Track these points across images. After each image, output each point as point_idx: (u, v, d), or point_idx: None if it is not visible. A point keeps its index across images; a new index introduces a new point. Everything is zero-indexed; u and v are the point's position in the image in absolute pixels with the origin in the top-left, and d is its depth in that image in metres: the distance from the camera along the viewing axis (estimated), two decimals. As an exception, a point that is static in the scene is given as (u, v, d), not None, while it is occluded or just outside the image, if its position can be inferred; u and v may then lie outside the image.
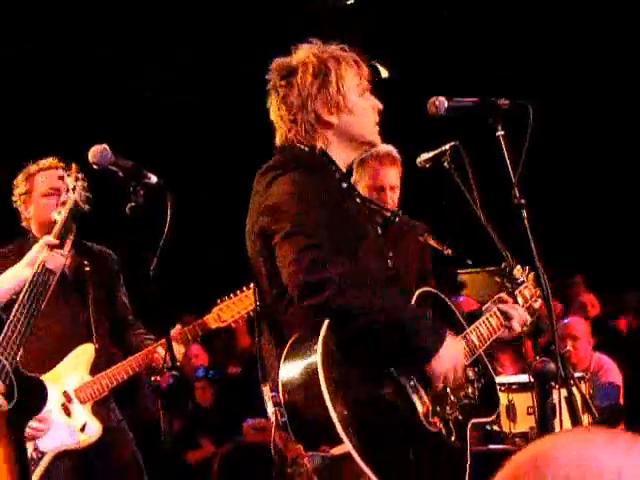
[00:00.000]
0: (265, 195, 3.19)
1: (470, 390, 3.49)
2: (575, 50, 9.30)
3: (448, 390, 3.34)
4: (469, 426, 3.44)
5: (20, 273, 3.93)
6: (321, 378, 2.94)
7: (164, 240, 3.38)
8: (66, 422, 4.48)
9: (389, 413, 3.14)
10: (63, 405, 4.51)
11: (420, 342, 3.15)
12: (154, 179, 3.49)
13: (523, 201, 3.52)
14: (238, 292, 4.81)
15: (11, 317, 3.67)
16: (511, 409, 5.39)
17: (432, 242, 4.82)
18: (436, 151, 4.06)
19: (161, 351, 4.57)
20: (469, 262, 5.86)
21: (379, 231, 3.49)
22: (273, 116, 3.41)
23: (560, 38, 9.29)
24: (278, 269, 3.11)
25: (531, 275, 3.97)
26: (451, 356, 3.23)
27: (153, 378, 4.37)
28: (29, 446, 4.32)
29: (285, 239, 3.06)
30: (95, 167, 3.49)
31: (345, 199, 3.33)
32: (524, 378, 5.43)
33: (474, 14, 9.01)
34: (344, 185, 3.37)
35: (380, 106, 3.46)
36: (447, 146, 3.98)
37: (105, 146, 3.48)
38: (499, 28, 9.10)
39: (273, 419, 3.08)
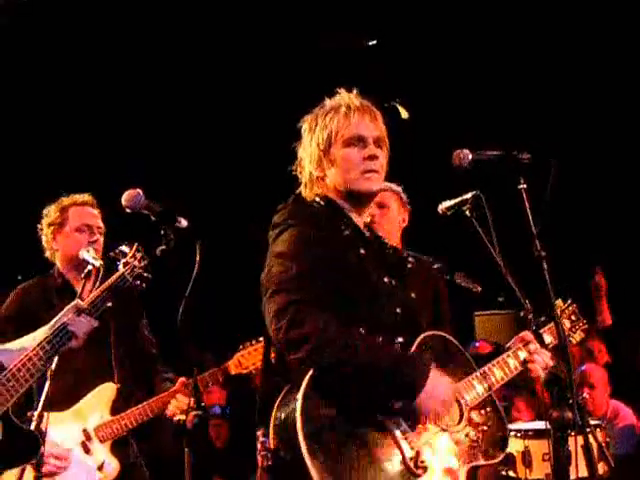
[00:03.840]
0: (270, 252, 3.35)
1: (473, 433, 3.51)
2: (595, 103, 9.33)
3: (444, 435, 3.38)
4: (466, 470, 3.46)
5: (40, 335, 3.86)
6: (299, 430, 3.08)
7: (192, 284, 3.44)
8: (85, 460, 4.53)
9: (373, 461, 3.18)
10: (83, 443, 4.56)
11: (403, 382, 3.21)
12: (184, 223, 3.56)
13: (543, 253, 3.56)
14: (260, 339, 4.86)
15: (12, 365, 3.64)
16: (527, 455, 5.41)
17: (461, 280, 4.85)
18: (458, 199, 4.12)
19: (180, 397, 4.61)
20: (500, 299, 5.90)
21: (388, 280, 3.52)
22: None
23: (580, 84, 9.34)
24: None
25: (571, 308, 4.04)
26: (438, 391, 3.28)
27: (177, 417, 4.42)
28: (49, 484, 4.39)
29: (270, 297, 3.21)
30: (128, 210, 3.56)
31: (347, 250, 3.41)
32: (540, 425, 5.45)
33: (497, 60, 9.05)
34: (347, 235, 3.45)
35: (373, 152, 3.47)
36: (469, 195, 4.05)
37: (139, 190, 3.57)
38: (520, 75, 9.15)
39: (260, 462, 3.22)
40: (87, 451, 4.55)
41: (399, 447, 3.24)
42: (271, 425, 3.21)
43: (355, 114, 3.47)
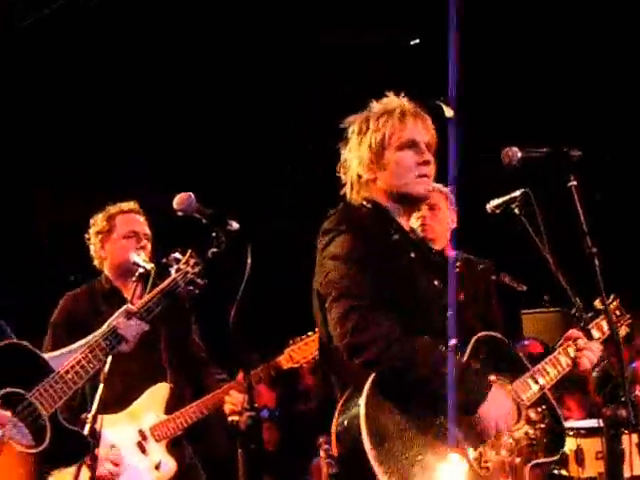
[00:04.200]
0: (321, 257, 3.38)
1: (532, 431, 3.51)
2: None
3: (505, 434, 3.38)
4: (528, 468, 3.47)
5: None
6: (364, 434, 3.09)
7: (244, 286, 3.46)
8: (142, 460, 4.58)
9: (439, 465, 3.19)
10: (139, 443, 4.62)
11: (464, 394, 3.21)
12: (235, 225, 3.59)
13: (595, 250, 3.54)
14: (309, 333, 4.90)
15: (61, 368, 3.67)
16: (579, 454, 5.38)
17: (507, 280, 4.84)
18: (506, 197, 4.12)
19: (234, 394, 4.65)
20: (546, 298, 5.87)
21: (437, 283, 3.52)
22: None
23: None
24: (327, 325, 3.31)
25: (615, 303, 4.02)
26: (498, 405, 3.29)
27: (231, 418, 4.45)
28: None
29: (333, 303, 3.24)
30: (180, 214, 3.59)
31: (396, 254, 3.42)
32: (593, 423, 5.42)
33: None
34: (397, 239, 3.46)
35: (427, 158, 3.48)
36: (518, 192, 4.04)
37: (190, 194, 3.60)
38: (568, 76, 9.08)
39: (324, 470, 3.26)
40: (143, 451, 4.61)
41: (462, 449, 3.25)
42: (333, 431, 3.22)
43: (410, 119, 3.48)
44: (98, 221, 4.97)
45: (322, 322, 3.37)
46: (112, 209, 4.98)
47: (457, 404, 3.19)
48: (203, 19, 8.47)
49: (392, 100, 3.55)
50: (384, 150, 3.46)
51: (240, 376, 4.68)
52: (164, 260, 4.25)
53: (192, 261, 4.18)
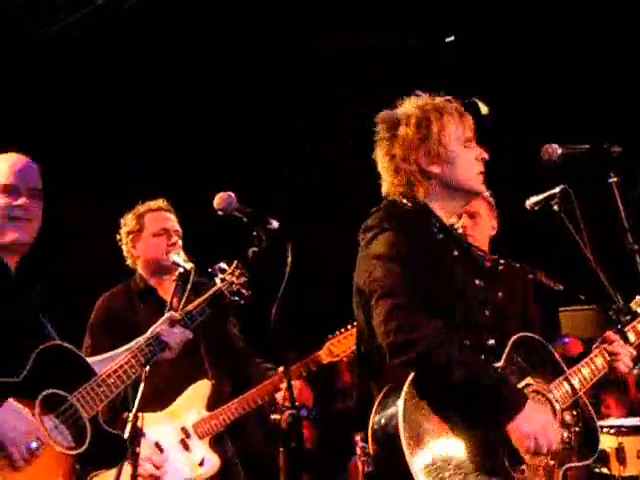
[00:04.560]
0: (363, 254, 3.36)
1: (566, 435, 3.47)
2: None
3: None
4: (562, 471, 3.43)
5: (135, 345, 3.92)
6: (401, 434, 3.08)
7: (285, 284, 3.47)
8: (185, 457, 4.63)
9: (476, 466, 3.17)
10: (182, 441, 4.66)
11: (500, 402, 3.18)
12: (275, 224, 3.60)
13: (636, 246, 3.52)
14: (348, 327, 4.91)
15: (103, 372, 3.69)
16: (621, 452, 5.35)
17: (544, 279, 4.82)
18: (546, 194, 4.10)
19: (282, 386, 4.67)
20: (582, 297, 5.84)
21: (478, 282, 3.51)
22: (379, 167, 3.55)
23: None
24: (370, 323, 3.29)
25: None
26: (535, 420, 3.21)
27: (273, 417, 4.47)
28: (149, 482, 4.47)
29: (377, 301, 3.22)
30: (220, 213, 3.60)
31: (441, 253, 3.41)
32: (635, 421, 5.39)
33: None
34: (440, 237, 3.45)
35: (485, 155, 3.51)
36: (557, 189, 4.02)
37: (230, 193, 3.61)
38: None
39: (361, 468, 3.21)
40: (187, 448, 4.64)
41: (497, 452, 3.22)
42: (370, 430, 3.21)
43: (466, 116, 3.51)
44: (128, 221, 5.03)
45: (364, 319, 3.37)
46: (141, 208, 5.03)
47: (490, 414, 3.18)
48: (202, 23, 8.49)
49: (439, 100, 3.53)
50: (449, 145, 3.45)
51: (282, 369, 4.71)
52: (209, 269, 4.28)
53: (238, 272, 4.21)
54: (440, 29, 8.76)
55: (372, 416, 3.22)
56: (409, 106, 3.51)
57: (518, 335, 3.51)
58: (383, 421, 3.18)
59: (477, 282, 3.50)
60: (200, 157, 9.30)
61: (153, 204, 5.02)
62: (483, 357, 3.34)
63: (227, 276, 4.21)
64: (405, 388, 3.15)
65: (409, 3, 8.37)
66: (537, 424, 3.20)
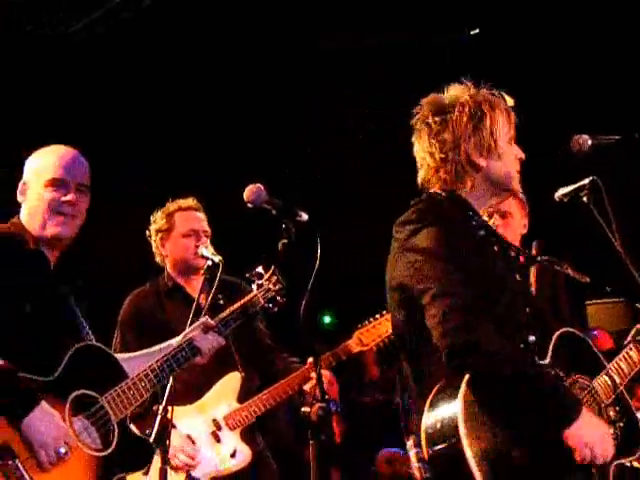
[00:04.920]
0: (404, 249, 3.23)
1: (612, 431, 3.39)
2: None
3: None
4: (612, 469, 3.35)
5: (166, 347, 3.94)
6: (463, 437, 2.98)
7: (314, 276, 3.47)
8: (217, 449, 4.66)
9: (540, 467, 3.09)
10: (213, 433, 4.69)
11: (559, 407, 3.10)
12: (305, 217, 3.60)
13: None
14: (377, 316, 4.91)
15: (135, 375, 3.71)
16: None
17: (570, 271, 4.80)
18: (575, 186, 4.08)
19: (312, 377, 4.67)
20: (608, 289, 5.82)
21: (518, 277, 3.45)
22: (420, 151, 3.42)
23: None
24: (418, 322, 3.16)
25: None
26: (591, 428, 3.13)
27: (303, 409, 4.48)
28: (181, 474, 4.50)
29: (433, 300, 3.09)
30: (250, 205, 3.61)
31: (483, 250, 3.34)
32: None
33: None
34: (481, 233, 3.37)
35: (523, 155, 3.45)
36: (586, 181, 4.00)
37: (259, 185, 3.62)
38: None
39: (417, 475, 3.11)
40: (218, 440, 4.67)
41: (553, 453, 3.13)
42: (422, 434, 3.08)
43: (512, 115, 3.43)
44: (157, 219, 5.04)
45: (405, 315, 3.27)
46: (170, 207, 5.04)
47: (549, 420, 3.09)
48: (202, 23, 8.49)
49: (485, 90, 3.43)
50: (499, 140, 3.36)
51: (311, 360, 4.72)
52: (247, 274, 4.27)
53: (274, 278, 4.20)
54: (440, 28, 8.71)
55: (424, 418, 3.10)
56: (459, 93, 3.39)
57: (561, 331, 3.46)
58: (439, 425, 3.06)
59: (517, 278, 3.43)
60: (197, 159, 9.34)
61: (183, 203, 5.03)
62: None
63: (264, 282, 4.20)
64: (462, 389, 3.05)
65: (409, 3, 8.33)
66: (595, 434, 3.12)
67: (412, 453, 3.13)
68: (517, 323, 3.29)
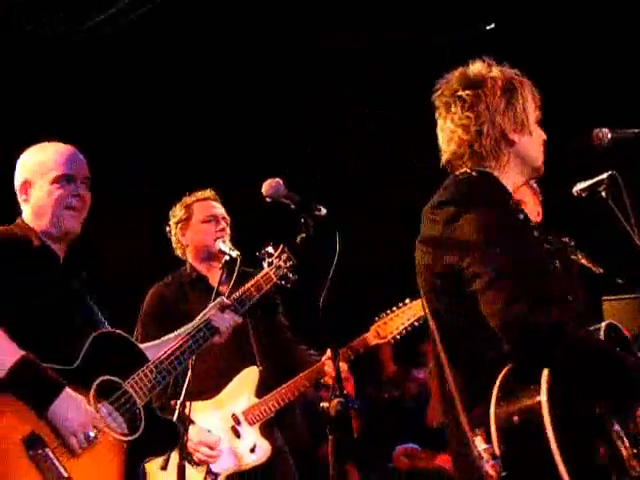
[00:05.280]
0: (448, 231, 3.04)
1: None
2: None
3: None
4: None
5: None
6: (549, 429, 2.75)
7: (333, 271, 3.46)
8: (236, 444, 4.66)
9: (618, 462, 2.91)
10: (233, 428, 4.69)
11: (634, 381, 2.93)
12: (324, 211, 3.59)
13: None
14: (394, 308, 4.91)
15: (156, 358, 3.73)
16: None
17: (584, 261, 4.77)
18: (593, 180, 4.07)
19: (328, 370, 4.68)
20: (619, 281, 5.79)
21: (557, 264, 3.33)
22: (450, 125, 3.24)
23: None
24: (467, 308, 2.99)
25: None
26: None
27: (322, 404, 4.47)
28: (201, 468, 4.50)
29: (491, 286, 2.89)
30: (268, 200, 3.61)
31: (526, 233, 3.19)
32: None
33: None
34: (521, 217, 3.23)
35: (545, 138, 3.33)
36: (604, 175, 3.99)
37: (278, 180, 3.62)
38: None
39: (492, 472, 2.77)
40: (238, 435, 4.68)
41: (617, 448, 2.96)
42: (492, 427, 2.83)
43: (537, 96, 3.31)
44: (176, 212, 5.07)
45: (450, 302, 3.08)
46: (188, 199, 5.08)
47: (628, 392, 2.94)
48: (201, 23, 8.50)
49: (505, 68, 3.30)
50: (530, 116, 3.24)
51: (329, 352, 4.69)
52: (257, 253, 4.30)
53: (284, 255, 4.24)
54: (439, 28, 8.69)
55: (495, 411, 2.85)
56: (486, 69, 3.25)
57: (608, 322, 3.30)
58: (517, 418, 2.82)
59: (558, 265, 3.33)
60: (197, 160, 9.36)
61: (200, 194, 5.07)
62: None
63: (274, 260, 4.23)
64: (544, 379, 2.80)
65: (409, 3, 8.32)
66: None
67: (482, 449, 2.76)
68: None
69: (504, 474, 2.71)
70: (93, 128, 8.54)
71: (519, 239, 3.04)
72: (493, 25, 9.28)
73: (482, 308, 2.92)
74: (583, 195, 4.19)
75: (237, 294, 4.07)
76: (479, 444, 2.76)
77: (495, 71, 3.24)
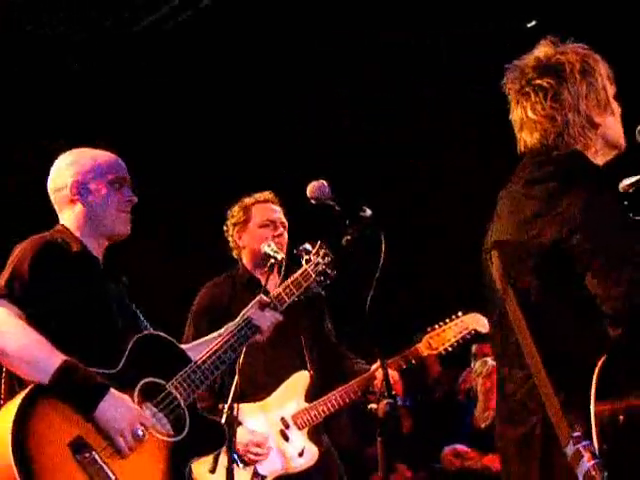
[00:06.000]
0: (552, 206, 2.86)
1: None
2: None
3: None
4: None
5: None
6: None
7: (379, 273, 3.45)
8: (284, 447, 4.65)
9: None
10: (281, 431, 4.68)
11: None
12: (368, 212, 3.58)
13: None
14: (447, 320, 4.88)
15: (198, 358, 3.73)
16: None
17: None
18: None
19: (378, 375, 4.65)
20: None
21: None
22: (531, 116, 3.08)
23: None
24: (569, 289, 2.80)
25: None
26: None
27: (370, 406, 4.47)
28: (248, 470, 4.51)
29: (612, 268, 2.73)
30: (313, 202, 3.60)
31: (629, 218, 2.96)
32: None
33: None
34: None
35: (620, 111, 3.15)
36: (651, 172, 3.92)
37: (323, 182, 3.61)
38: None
39: (594, 473, 2.57)
40: (286, 439, 4.67)
41: None
42: (593, 424, 2.62)
43: (609, 68, 3.15)
44: (234, 212, 5.06)
45: (545, 282, 2.86)
46: (247, 200, 5.06)
47: None
48: (200, 22, 8.52)
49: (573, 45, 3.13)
50: (609, 93, 3.09)
51: (379, 363, 4.68)
52: (295, 251, 4.30)
53: (322, 252, 4.21)
54: (438, 28, 8.61)
55: (593, 407, 2.63)
56: (557, 51, 3.09)
57: None
58: (622, 416, 2.63)
59: None
60: (196, 160, 9.37)
61: (259, 196, 5.05)
62: None
63: (312, 257, 4.22)
64: None
65: (408, 3, 8.26)
66: None
67: (582, 447, 2.58)
68: None
69: (606, 474, 2.54)
70: (93, 128, 8.63)
71: (627, 219, 2.86)
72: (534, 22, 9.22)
73: (594, 288, 2.74)
74: (630, 191, 4.14)
75: (276, 292, 4.06)
76: (579, 440, 2.59)
77: (569, 53, 3.08)
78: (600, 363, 2.69)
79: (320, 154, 9.57)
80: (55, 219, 3.77)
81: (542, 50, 3.10)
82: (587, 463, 2.55)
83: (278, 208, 5.02)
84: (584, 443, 2.57)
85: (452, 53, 8.68)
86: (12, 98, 8.38)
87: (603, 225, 2.79)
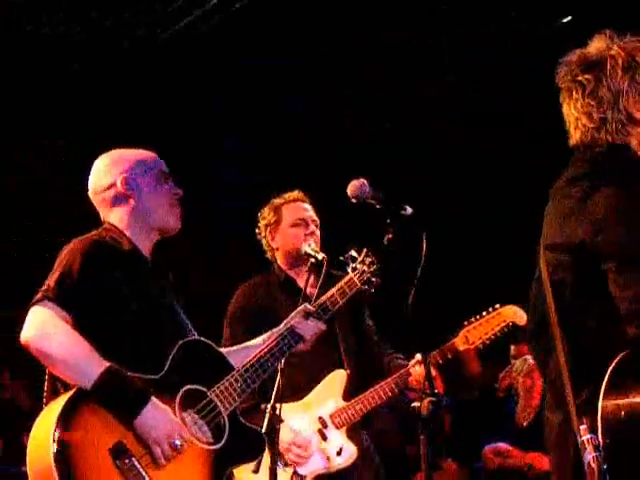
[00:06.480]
0: (582, 205, 2.88)
1: None
2: None
3: None
4: None
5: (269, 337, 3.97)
6: None
7: (420, 271, 3.43)
8: (323, 447, 4.65)
9: None
10: (319, 431, 4.68)
11: None
12: (409, 210, 3.56)
13: None
14: (484, 313, 4.83)
15: (241, 366, 3.74)
16: None
17: None
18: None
19: (417, 369, 4.64)
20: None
21: None
22: (573, 112, 3.07)
23: None
24: (595, 287, 2.81)
25: None
26: None
27: (413, 404, 4.45)
28: (288, 471, 4.52)
29: (629, 267, 2.76)
30: (354, 201, 3.59)
31: None
32: None
33: None
34: None
35: None
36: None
37: (363, 180, 3.59)
38: None
39: (594, 466, 2.63)
40: (324, 438, 4.66)
41: None
42: (599, 417, 2.64)
43: None
44: (265, 214, 5.05)
45: (576, 279, 2.89)
46: (277, 201, 5.06)
47: None
48: (202, 25, 8.53)
49: (626, 39, 3.09)
50: None
51: (418, 357, 4.66)
52: (340, 258, 4.28)
53: (368, 260, 4.19)
54: (437, 28, 8.56)
55: (601, 400, 2.66)
56: (605, 45, 3.06)
57: None
58: (624, 412, 2.66)
59: None
60: (196, 159, 9.37)
61: (288, 196, 5.05)
62: None
63: (358, 265, 4.20)
64: None
65: (410, 3, 8.23)
66: None
67: (585, 439, 2.65)
68: None
69: (605, 467, 2.60)
70: (92, 128, 8.67)
71: None
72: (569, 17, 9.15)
73: (614, 289, 2.77)
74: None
75: (321, 301, 4.04)
76: (584, 432, 2.66)
77: (615, 48, 3.05)
78: (617, 359, 2.71)
79: (320, 154, 9.60)
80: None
81: (593, 45, 3.09)
82: (589, 455, 2.62)
83: (308, 206, 5.01)
84: (589, 436, 2.63)
85: (454, 53, 8.67)
86: (12, 98, 8.46)
87: (623, 225, 2.80)
